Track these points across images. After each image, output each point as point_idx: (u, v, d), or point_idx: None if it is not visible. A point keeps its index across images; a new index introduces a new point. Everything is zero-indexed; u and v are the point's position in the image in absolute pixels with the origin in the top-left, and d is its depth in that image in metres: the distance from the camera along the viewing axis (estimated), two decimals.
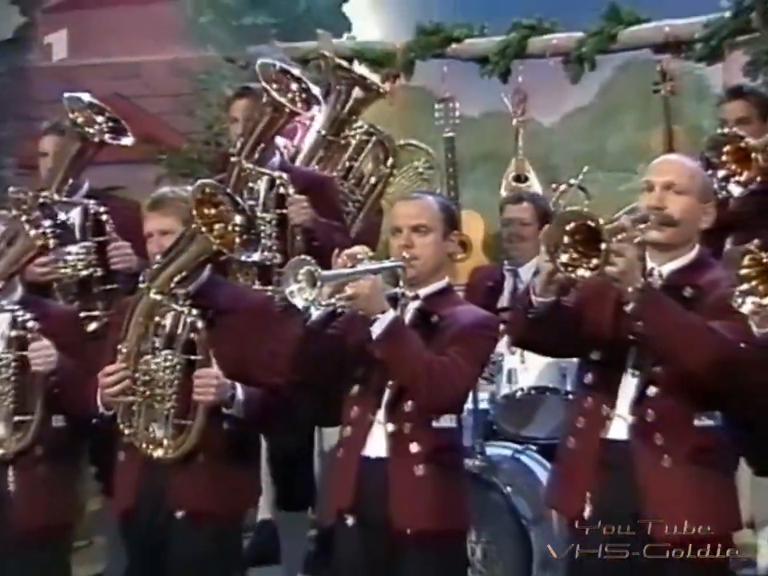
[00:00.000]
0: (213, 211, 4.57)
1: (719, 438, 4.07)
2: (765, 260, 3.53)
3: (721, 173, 4.83)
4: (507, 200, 6.15)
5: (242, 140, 5.46)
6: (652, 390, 4.01)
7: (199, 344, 4.58)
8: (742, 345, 3.75)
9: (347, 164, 5.64)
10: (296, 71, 5.54)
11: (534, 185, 6.55)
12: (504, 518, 5.18)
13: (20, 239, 5.03)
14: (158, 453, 4.62)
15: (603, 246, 3.72)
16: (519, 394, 5.65)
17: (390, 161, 5.56)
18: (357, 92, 5.61)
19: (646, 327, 3.87)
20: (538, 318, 4.00)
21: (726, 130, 5.05)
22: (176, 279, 4.64)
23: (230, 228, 4.57)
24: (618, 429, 4.05)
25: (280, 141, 5.84)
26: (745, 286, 3.55)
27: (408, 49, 7.33)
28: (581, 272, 3.77)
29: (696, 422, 3.99)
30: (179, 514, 4.59)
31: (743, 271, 3.55)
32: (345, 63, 5.88)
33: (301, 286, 4.20)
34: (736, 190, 4.83)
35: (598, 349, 4.12)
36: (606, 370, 4.11)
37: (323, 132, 5.66)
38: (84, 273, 5.55)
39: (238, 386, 4.58)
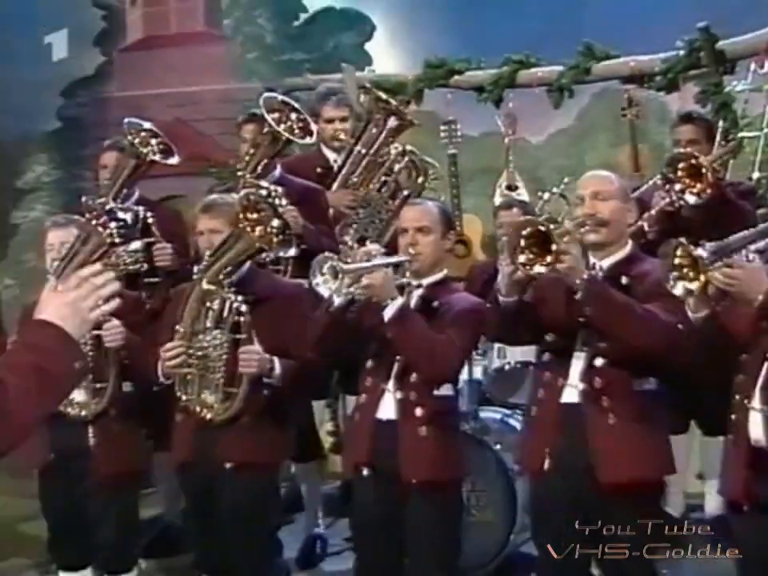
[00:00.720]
0: (255, 216, 4.65)
1: (655, 399, 4.15)
2: (693, 252, 3.51)
3: (677, 185, 4.87)
4: (500, 206, 6.15)
5: (247, 158, 5.46)
6: (598, 362, 4.07)
7: (243, 325, 4.65)
8: (680, 326, 3.80)
9: (382, 178, 5.58)
10: (295, 103, 5.55)
11: (523, 193, 6.56)
12: (494, 471, 5.18)
13: (92, 239, 5.01)
14: (210, 415, 4.70)
15: (554, 246, 3.82)
16: (507, 367, 5.71)
17: (420, 178, 5.51)
18: (392, 121, 5.58)
19: (592, 311, 3.93)
20: (506, 315, 4.08)
21: (681, 150, 5.03)
22: (224, 271, 4.73)
23: (269, 230, 4.64)
24: (571, 395, 4.11)
25: (330, 155, 5.89)
26: (677, 273, 3.55)
27: (418, 80, 7.32)
28: (537, 269, 3.87)
29: (635, 387, 4.07)
30: (227, 465, 4.67)
31: (676, 261, 3.54)
32: (384, 96, 5.80)
33: (326, 278, 4.33)
34: (690, 200, 4.85)
35: (552, 333, 4.19)
36: (560, 349, 4.17)
37: (363, 151, 5.63)
38: (132, 268, 5.55)
39: (276, 359, 4.64)
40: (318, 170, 5.71)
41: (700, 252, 3.52)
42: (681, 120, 5.56)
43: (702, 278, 3.52)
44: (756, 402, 3.67)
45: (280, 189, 4.90)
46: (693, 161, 4.84)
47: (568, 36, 6.93)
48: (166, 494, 6.10)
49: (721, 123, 5.91)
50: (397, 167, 5.56)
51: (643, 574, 4.17)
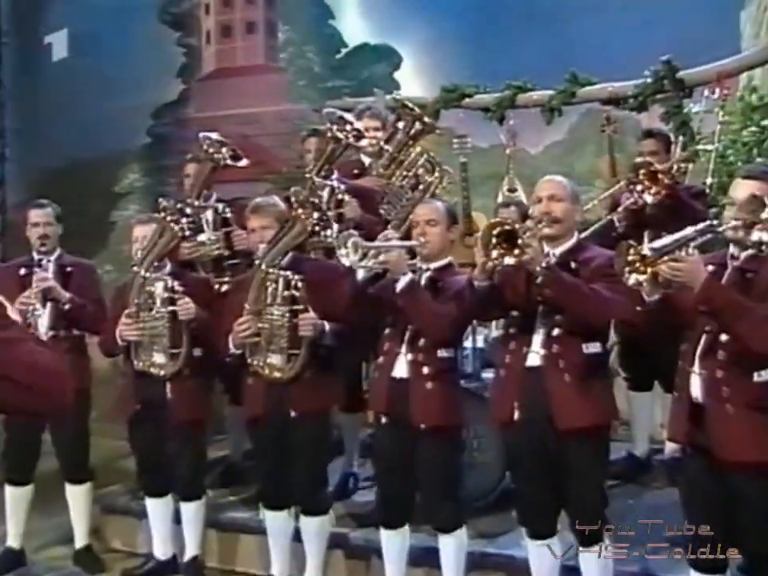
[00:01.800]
0: (301, 210, 4.75)
1: (600, 358, 4.15)
2: (641, 251, 3.51)
3: (639, 187, 4.85)
4: (500, 205, 6.14)
5: (313, 163, 5.38)
6: (556, 332, 4.08)
7: (299, 298, 4.71)
8: (621, 300, 3.83)
9: (405, 173, 5.48)
10: (349, 117, 5.46)
11: (521, 195, 6.48)
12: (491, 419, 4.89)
13: (166, 233, 5.16)
14: (276, 375, 4.76)
15: (520, 241, 3.84)
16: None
17: (436, 173, 5.39)
18: (417, 125, 5.49)
19: (550, 291, 3.98)
20: (482, 297, 4.10)
21: (641, 159, 5.04)
22: (280, 256, 4.80)
23: (312, 220, 4.72)
24: (534, 359, 4.12)
25: (366, 159, 5.77)
26: (629, 268, 3.52)
27: (436, 102, 7.32)
28: (507, 260, 3.88)
29: (585, 350, 4.07)
30: (293, 414, 4.74)
31: (629, 258, 3.52)
32: (411, 104, 5.71)
33: (348, 252, 4.32)
34: (649, 199, 4.85)
35: (517, 309, 4.20)
36: (524, 322, 4.18)
37: (392, 150, 5.52)
38: (216, 253, 5.62)
39: (326, 323, 4.72)
40: (355, 171, 5.64)
41: (646, 251, 3.53)
42: (643, 135, 5.56)
43: (649, 270, 3.52)
44: (696, 367, 3.70)
45: (343, 186, 4.93)
46: (651, 167, 4.84)
47: (557, 67, 6.90)
48: (233, 439, 6.12)
49: (681, 138, 5.98)
50: (417, 165, 5.49)
51: (596, 499, 4.16)
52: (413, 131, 5.48)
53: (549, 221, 4.13)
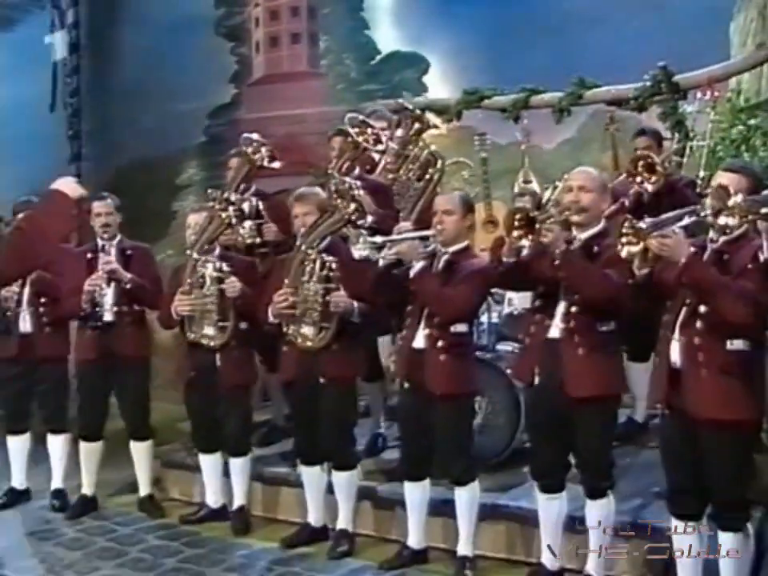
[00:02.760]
0: (340, 201, 4.76)
1: (612, 336, 4.12)
2: (636, 225, 3.54)
3: (638, 178, 4.87)
4: (516, 194, 6.08)
5: (335, 161, 5.36)
6: (573, 309, 4.07)
7: (333, 278, 4.74)
8: (629, 282, 3.79)
9: (410, 166, 5.43)
10: (371, 121, 5.46)
11: (535, 186, 6.27)
12: (504, 388, 5.09)
13: (215, 220, 5.20)
14: (308, 344, 4.78)
15: (537, 226, 3.91)
16: (515, 312, 5.60)
17: (438, 164, 5.34)
18: (417, 124, 5.45)
19: (564, 273, 4.00)
20: (506, 271, 4.13)
21: (640, 153, 5.03)
22: (318, 239, 4.82)
23: (349, 210, 4.73)
24: (554, 332, 4.12)
25: (375, 156, 5.60)
26: (624, 240, 3.55)
27: (458, 103, 7.27)
28: (524, 241, 3.93)
29: (598, 328, 4.06)
30: (322, 380, 4.78)
31: (623, 230, 3.55)
32: (410, 106, 5.68)
33: (359, 247, 4.42)
34: (648, 188, 4.85)
35: (542, 285, 4.20)
36: (548, 297, 4.18)
37: (397, 147, 5.47)
38: (249, 241, 5.60)
39: (355, 302, 4.74)
40: (367, 167, 5.58)
41: (641, 225, 3.54)
42: (637, 133, 5.55)
43: (642, 243, 3.53)
44: (676, 335, 3.70)
45: (358, 182, 4.95)
46: (649, 160, 4.83)
47: (566, 72, 6.85)
48: (275, 404, 6.15)
49: (676, 135, 5.93)
50: (421, 158, 5.45)
51: (603, 460, 4.18)
52: (413, 130, 5.46)
53: (576, 209, 4.11)
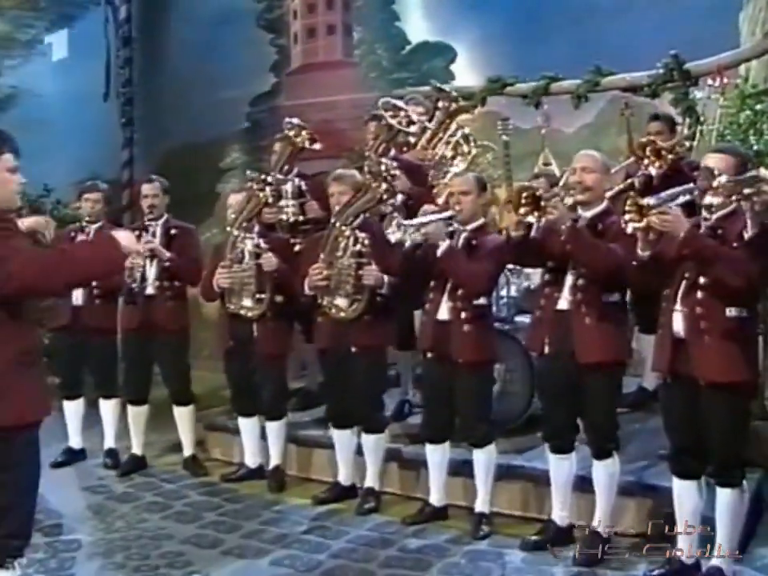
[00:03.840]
0: (373, 181, 4.78)
1: (617, 306, 4.16)
2: (639, 201, 3.57)
3: (646, 161, 4.80)
4: (533, 176, 5.91)
5: (371, 144, 5.38)
6: (580, 282, 4.12)
7: (365, 253, 4.78)
8: (634, 263, 3.79)
9: (445, 145, 5.48)
10: (403, 105, 5.46)
11: (554, 168, 6.32)
12: (521, 356, 5.12)
13: (253, 199, 5.20)
14: (342, 315, 4.82)
15: (542, 203, 3.94)
16: (532, 286, 5.47)
17: (471, 145, 5.40)
18: (453, 106, 5.55)
19: (570, 247, 4.02)
20: (515, 246, 4.16)
21: (645, 138, 4.96)
22: (352, 216, 4.85)
23: (381, 190, 4.77)
24: (563, 303, 4.17)
25: (411, 139, 5.56)
26: (628, 216, 3.59)
27: (483, 90, 7.25)
28: (529, 218, 3.96)
29: (604, 299, 4.09)
30: (353, 349, 4.82)
31: (627, 208, 3.59)
32: (446, 88, 5.77)
33: (393, 230, 4.46)
34: (654, 172, 4.81)
35: (552, 260, 4.22)
36: (557, 272, 4.21)
37: (433, 127, 5.53)
38: (292, 218, 5.69)
39: (385, 276, 4.78)
40: (404, 148, 5.58)
41: (644, 201, 3.57)
42: (651, 118, 5.54)
43: (645, 220, 3.56)
44: (678, 306, 3.73)
45: (394, 163, 4.98)
46: (655, 145, 4.83)
47: (584, 60, 6.81)
48: (310, 372, 6.22)
49: (687, 120, 5.91)
50: (454, 139, 5.52)
51: (608, 422, 4.23)
52: (450, 110, 5.50)
53: (580, 189, 4.15)
